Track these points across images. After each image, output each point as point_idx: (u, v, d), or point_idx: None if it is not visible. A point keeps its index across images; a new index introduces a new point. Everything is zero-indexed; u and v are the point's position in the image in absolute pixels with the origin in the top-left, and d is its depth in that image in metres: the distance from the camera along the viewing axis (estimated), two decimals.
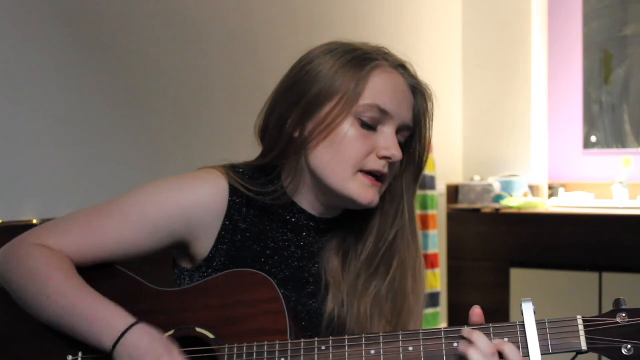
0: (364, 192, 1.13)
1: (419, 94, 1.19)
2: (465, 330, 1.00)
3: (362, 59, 1.15)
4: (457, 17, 4.29)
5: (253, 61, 2.50)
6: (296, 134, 1.15)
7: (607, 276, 3.48)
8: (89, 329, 1.05)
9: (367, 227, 1.20)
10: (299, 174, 1.17)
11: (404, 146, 1.19)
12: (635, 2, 4.22)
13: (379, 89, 1.13)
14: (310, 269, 1.20)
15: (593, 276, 3.50)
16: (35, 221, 1.70)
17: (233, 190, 1.17)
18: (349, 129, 1.12)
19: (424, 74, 1.23)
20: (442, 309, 3.79)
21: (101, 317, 1.04)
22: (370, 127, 1.13)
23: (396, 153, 1.13)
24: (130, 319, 1.05)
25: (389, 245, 1.19)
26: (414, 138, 1.20)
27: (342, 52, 1.16)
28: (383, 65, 1.16)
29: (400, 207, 1.20)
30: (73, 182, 1.84)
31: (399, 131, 1.16)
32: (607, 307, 1.02)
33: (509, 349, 0.98)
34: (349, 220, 1.22)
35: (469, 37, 4.30)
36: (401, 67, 1.18)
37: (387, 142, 1.13)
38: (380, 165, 1.14)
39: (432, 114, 1.21)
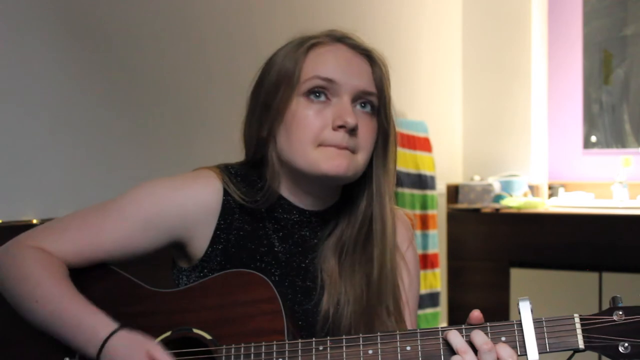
0: (330, 162, 1.12)
1: (374, 60, 1.18)
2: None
3: (302, 43, 1.16)
4: (457, 17, 4.29)
5: (253, 61, 2.49)
6: (263, 134, 1.18)
7: (607, 276, 3.48)
8: (74, 338, 1.05)
9: (356, 212, 1.20)
10: (277, 169, 1.18)
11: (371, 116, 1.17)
12: (635, 2, 4.22)
13: (317, 62, 1.14)
14: (307, 266, 1.20)
15: (593, 276, 3.50)
16: (35, 221, 1.70)
17: (227, 190, 1.17)
18: (296, 107, 1.13)
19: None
20: (442, 309, 3.79)
21: (85, 326, 1.04)
22: (317, 96, 1.13)
23: (349, 120, 1.11)
24: (112, 326, 1.04)
25: (370, 228, 1.18)
26: (380, 104, 1.18)
27: (292, 44, 1.18)
28: (322, 42, 1.16)
29: (373, 182, 1.19)
30: (73, 182, 1.84)
31: (357, 99, 1.15)
32: (607, 307, 1.02)
33: (504, 351, 0.98)
34: (339, 210, 1.21)
35: (469, 37, 4.29)
36: (345, 38, 1.18)
37: (339, 110, 1.12)
38: (338, 138, 1.12)
39: (389, 76, 1.19)
